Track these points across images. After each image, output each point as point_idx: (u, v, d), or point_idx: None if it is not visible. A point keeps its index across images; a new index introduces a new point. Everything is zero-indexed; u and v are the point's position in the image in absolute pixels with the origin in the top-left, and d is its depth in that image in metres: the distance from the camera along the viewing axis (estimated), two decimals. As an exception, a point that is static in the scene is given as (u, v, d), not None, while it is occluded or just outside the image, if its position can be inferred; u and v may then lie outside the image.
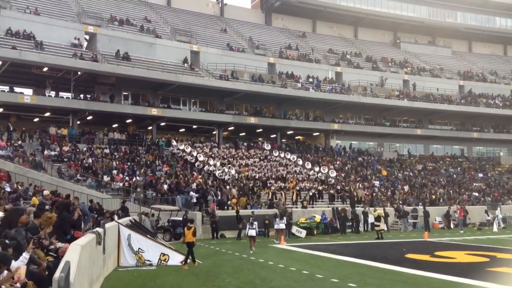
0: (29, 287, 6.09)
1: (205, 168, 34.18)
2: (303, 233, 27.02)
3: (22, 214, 7.51)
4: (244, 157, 37.89)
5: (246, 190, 31.82)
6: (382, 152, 49.19)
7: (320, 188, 35.34)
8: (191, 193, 29.39)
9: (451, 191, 41.05)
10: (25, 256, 6.43)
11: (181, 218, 24.95)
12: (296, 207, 31.56)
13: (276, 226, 24.98)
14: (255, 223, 21.17)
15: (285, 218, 25.29)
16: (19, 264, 6.17)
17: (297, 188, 33.86)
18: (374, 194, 36.82)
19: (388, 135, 49.71)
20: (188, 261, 15.59)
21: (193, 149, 36.33)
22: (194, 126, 42.31)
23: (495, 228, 31.94)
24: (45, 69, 34.58)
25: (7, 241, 6.76)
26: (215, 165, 34.27)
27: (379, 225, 26.60)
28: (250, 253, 18.87)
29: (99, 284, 11.39)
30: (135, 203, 27.54)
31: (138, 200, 28.03)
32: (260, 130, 44.70)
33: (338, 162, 42.20)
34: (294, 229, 27.15)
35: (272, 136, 45.44)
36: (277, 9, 58.69)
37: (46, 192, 19.48)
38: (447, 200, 38.36)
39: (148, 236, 17.08)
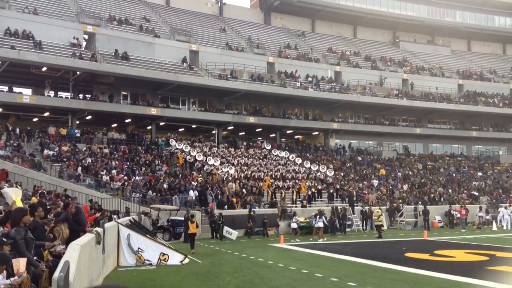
0: (26, 280, 6.07)
1: (204, 168, 34.19)
2: (233, 235, 25.50)
3: (25, 214, 7.50)
4: (243, 156, 37.90)
5: (248, 189, 31.88)
6: (382, 151, 49.20)
7: (320, 187, 35.36)
8: (190, 192, 29.38)
9: (450, 190, 41.07)
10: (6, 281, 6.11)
11: (182, 218, 24.83)
12: (296, 206, 31.58)
13: (316, 225, 25.24)
14: (323, 217, 25.40)
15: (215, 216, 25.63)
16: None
17: (297, 187, 33.90)
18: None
19: (388, 134, 49.71)
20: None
21: (192, 149, 36.33)
22: (194, 126, 42.30)
23: (494, 227, 31.97)
24: (44, 69, 34.56)
25: (4, 239, 6.75)
26: (214, 165, 34.28)
27: (382, 225, 26.84)
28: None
29: (98, 283, 11.37)
30: (134, 202, 27.54)
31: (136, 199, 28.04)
32: (260, 129, 44.70)
33: (336, 161, 42.22)
34: (225, 230, 25.71)
35: (271, 135, 45.43)
36: (276, 8, 58.68)
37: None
38: (447, 199, 38.35)
39: (148, 235, 17.08)
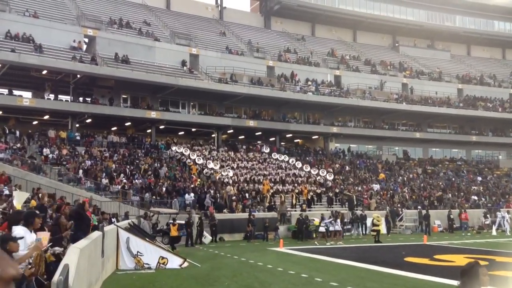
0: (38, 256, 6.20)
1: (204, 171, 34.18)
2: (207, 239, 25.58)
3: (21, 218, 7.56)
4: (243, 159, 37.91)
5: (249, 193, 31.91)
6: (381, 155, 49.19)
7: (319, 191, 35.35)
8: (186, 195, 29.36)
9: (449, 195, 41.05)
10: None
11: (182, 222, 24.78)
12: (295, 211, 31.55)
13: (331, 228, 25.45)
14: (338, 220, 25.62)
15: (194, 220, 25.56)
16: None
17: (296, 191, 33.88)
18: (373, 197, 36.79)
19: (387, 138, 49.70)
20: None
21: (192, 152, 36.32)
22: (193, 129, 42.26)
23: (494, 232, 31.93)
24: (44, 72, 34.55)
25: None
26: (213, 168, 34.27)
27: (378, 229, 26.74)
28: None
29: (98, 287, 11.37)
30: (134, 206, 27.52)
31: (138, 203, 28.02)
32: (259, 133, 44.72)
33: (334, 164, 42.24)
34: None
35: (271, 139, 45.44)
36: (276, 13, 58.80)
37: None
38: (447, 203, 38.33)
39: (147, 239, 17.07)
